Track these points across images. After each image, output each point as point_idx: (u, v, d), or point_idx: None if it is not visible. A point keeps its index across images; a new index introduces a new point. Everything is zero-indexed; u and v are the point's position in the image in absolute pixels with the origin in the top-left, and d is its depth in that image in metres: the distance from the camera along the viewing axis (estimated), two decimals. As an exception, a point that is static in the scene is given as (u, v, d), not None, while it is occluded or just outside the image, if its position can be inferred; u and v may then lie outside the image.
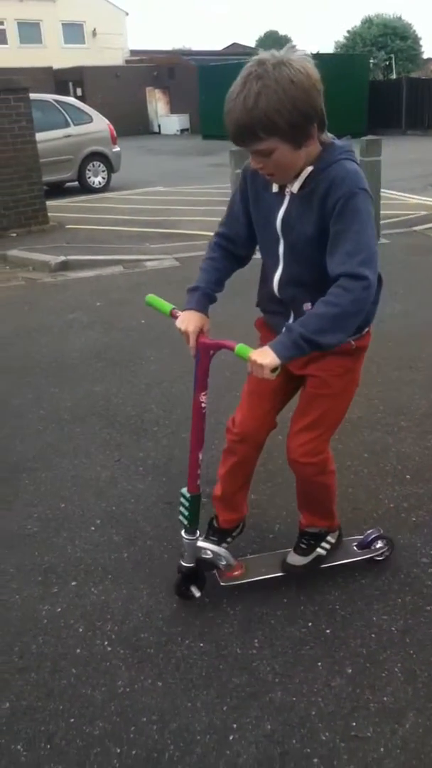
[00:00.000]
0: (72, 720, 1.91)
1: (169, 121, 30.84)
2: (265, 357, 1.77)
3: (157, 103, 31.56)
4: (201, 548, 2.25)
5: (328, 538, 2.39)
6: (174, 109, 31.41)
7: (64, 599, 2.37)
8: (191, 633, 2.20)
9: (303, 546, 2.36)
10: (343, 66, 22.57)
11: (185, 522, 2.20)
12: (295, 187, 1.85)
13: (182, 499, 2.20)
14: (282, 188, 1.89)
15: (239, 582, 2.31)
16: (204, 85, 25.36)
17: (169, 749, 1.81)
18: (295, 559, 2.36)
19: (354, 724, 1.86)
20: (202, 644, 2.15)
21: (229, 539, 2.41)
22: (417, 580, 2.39)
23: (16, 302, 5.93)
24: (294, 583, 2.40)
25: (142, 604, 2.33)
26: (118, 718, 1.91)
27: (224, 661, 2.08)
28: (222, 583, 2.30)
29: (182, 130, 30.29)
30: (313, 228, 1.85)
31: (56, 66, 28.95)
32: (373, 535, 2.48)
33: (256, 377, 1.84)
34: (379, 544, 2.47)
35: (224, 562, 2.28)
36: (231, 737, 1.84)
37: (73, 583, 2.44)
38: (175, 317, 2.05)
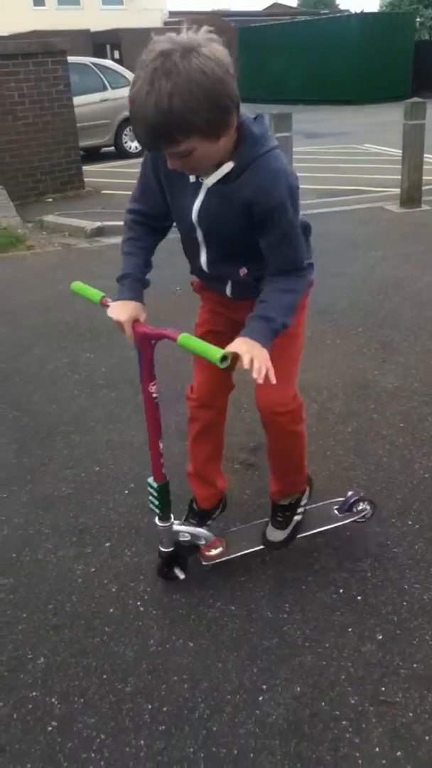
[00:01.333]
0: (105, 676, 1.95)
1: (207, 85, 30.31)
2: (258, 350, 1.69)
3: (196, 66, 31.01)
4: (177, 532, 2.20)
5: (302, 503, 2.36)
6: (212, 71, 30.82)
7: (98, 560, 2.41)
8: (222, 596, 2.22)
9: (279, 519, 2.32)
10: (388, 25, 21.87)
11: (156, 511, 2.14)
12: (210, 180, 1.73)
13: (150, 489, 2.13)
14: (197, 177, 1.76)
15: (223, 559, 2.28)
16: (243, 47, 24.87)
17: (200, 707, 1.84)
18: (275, 535, 2.33)
19: (383, 689, 1.87)
20: (233, 607, 2.17)
21: (209, 521, 2.39)
22: (451, 550, 2.37)
23: (52, 268, 5.95)
24: (325, 549, 2.40)
25: (175, 566, 2.35)
26: (149, 675, 1.95)
27: (255, 624, 2.10)
28: (204, 563, 2.27)
29: (220, 94, 29.76)
30: (235, 223, 1.78)
31: (94, 29, 28.58)
32: (354, 498, 2.43)
33: (207, 340, 1.82)
34: (361, 506, 2.44)
35: (203, 542, 2.24)
36: (260, 698, 1.86)
37: (107, 545, 2.48)
38: (106, 306, 1.94)
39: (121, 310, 1.88)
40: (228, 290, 2.01)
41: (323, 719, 1.80)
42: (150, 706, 1.85)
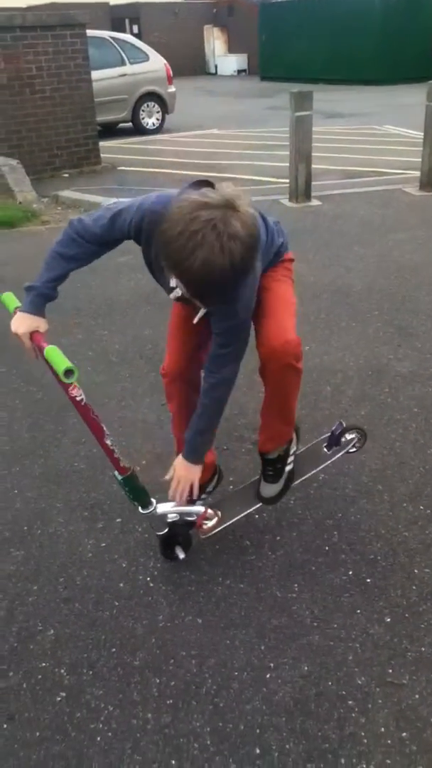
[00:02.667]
0: (113, 650, 1.97)
1: (227, 62, 29.90)
2: (185, 471, 2.11)
3: (215, 42, 30.56)
4: (164, 514, 2.16)
5: (290, 452, 2.36)
6: (232, 48, 30.40)
7: (109, 535, 2.42)
8: (232, 574, 2.23)
9: (270, 473, 2.32)
10: (411, 4, 21.36)
11: (134, 503, 2.11)
12: (196, 318, 1.91)
13: (118, 484, 2.10)
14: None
15: (219, 529, 2.27)
16: (265, 24, 24.46)
17: (207, 683, 1.86)
18: (270, 490, 2.34)
19: (390, 671, 1.88)
20: (242, 585, 2.18)
21: (204, 495, 2.40)
22: (462, 536, 2.37)
23: (67, 243, 5.93)
24: (336, 531, 2.40)
25: (185, 544, 2.36)
26: (158, 650, 1.96)
27: (263, 603, 2.11)
28: (203, 536, 2.27)
29: (239, 71, 29.38)
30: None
31: (113, 2, 28.22)
32: (339, 429, 2.43)
33: (179, 317, 2.17)
34: (348, 436, 2.46)
35: (193, 517, 2.22)
36: (268, 675, 1.87)
37: (118, 520, 2.49)
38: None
39: (19, 323, 1.97)
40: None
41: (330, 698, 1.81)
42: (158, 680, 1.87)
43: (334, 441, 2.46)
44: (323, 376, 3.47)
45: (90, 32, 8.89)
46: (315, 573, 2.22)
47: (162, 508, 2.15)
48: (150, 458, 2.85)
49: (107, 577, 2.24)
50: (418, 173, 7.40)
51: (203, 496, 2.39)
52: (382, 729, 1.73)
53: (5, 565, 2.30)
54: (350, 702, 1.80)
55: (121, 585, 2.20)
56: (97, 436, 2.02)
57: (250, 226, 1.57)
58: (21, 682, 1.88)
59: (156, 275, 2.02)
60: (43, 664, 1.93)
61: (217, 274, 1.54)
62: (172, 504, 2.16)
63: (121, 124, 12.36)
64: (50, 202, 7.41)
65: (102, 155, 9.12)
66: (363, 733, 1.72)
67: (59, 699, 1.83)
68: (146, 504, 2.11)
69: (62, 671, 1.91)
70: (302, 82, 20.26)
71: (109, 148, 10.09)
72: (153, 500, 2.12)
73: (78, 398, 1.91)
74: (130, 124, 12.31)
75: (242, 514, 2.32)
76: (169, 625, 2.04)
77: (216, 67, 30.43)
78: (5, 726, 1.76)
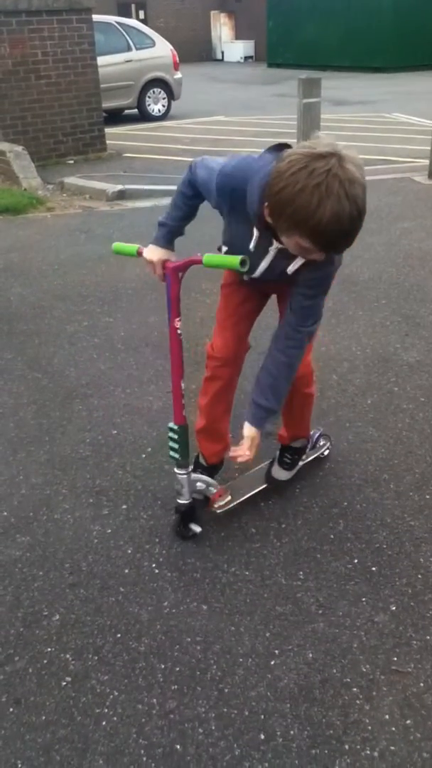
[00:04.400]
0: (119, 635, 1.98)
1: (233, 48, 29.69)
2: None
3: (222, 28, 30.32)
4: (195, 481, 2.25)
5: (306, 451, 2.59)
6: (239, 35, 30.17)
7: (115, 521, 2.42)
8: (237, 561, 2.23)
9: (287, 461, 2.51)
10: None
11: (177, 456, 2.17)
12: (291, 268, 1.88)
13: (171, 433, 2.16)
14: (261, 250, 1.90)
15: (232, 506, 2.37)
16: (273, 10, 24.24)
17: (212, 669, 1.86)
18: (282, 474, 2.52)
19: (395, 659, 1.88)
20: (247, 572, 2.18)
21: (215, 476, 2.47)
22: (468, 525, 2.36)
23: (73, 230, 5.92)
24: (342, 520, 2.40)
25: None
26: (163, 636, 1.97)
27: (268, 590, 2.11)
28: (218, 511, 2.35)
29: (246, 58, 29.17)
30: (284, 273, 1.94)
31: (119, -13, 28.01)
32: (317, 434, 2.67)
33: (232, 302, 2.26)
34: (322, 442, 2.69)
35: (213, 490, 2.33)
36: (272, 662, 1.88)
37: (124, 507, 2.50)
38: (141, 254, 2.12)
39: (152, 252, 2.10)
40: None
41: (334, 685, 1.81)
42: (163, 666, 1.88)
43: (313, 444, 2.66)
44: (330, 364, 3.45)
45: (96, 17, 8.83)
46: (320, 561, 2.22)
47: (194, 474, 2.25)
48: (155, 445, 2.85)
49: (113, 563, 2.24)
50: (426, 162, 7.34)
51: (214, 476, 2.46)
52: (387, 716, 1.73)
53: (11, 550, 2.31)
54: (355, 689, 1.80)
55: (127, 571, 2.21)
56: (176, 377, 2.14)
57: (361, 166, 1.58)
58: (27, 666, 1.89)
59: (238, 240, 1.96)
60: (49, 649, 1.94)
61: (347, 222, 1.56)
62: (202, 475, 2.28)
63: (126, 111, 12.29)
64: (55, 189, 7.39)
65: (108, 142, 9.08)
66: (367, 720, 1.72)
67: (65, 684, 1.84)
68: (186, 464, 2.20)
69: (68, 656, 1.92)
70: (310, 68, 20.11)
71: (114, 134, 10.05)
72: (190, 464, 2.21)
73: (179, 331, 2.12)
74: (135, 110, 12.24)
75: (248, 495, 2.43)
76: (174, 612, 2.05)
77: (222, 53, 30.21)
78: (11, 710, 1.77)
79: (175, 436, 2.16)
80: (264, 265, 1.93)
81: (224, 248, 2.10)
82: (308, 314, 2.01)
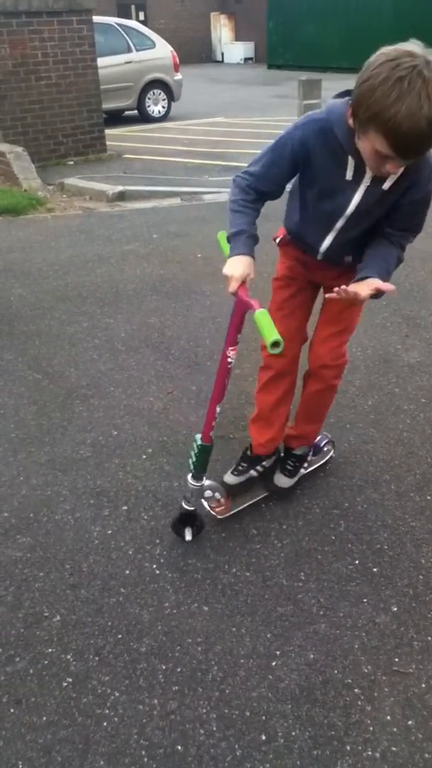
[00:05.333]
0: (120, 636, 1.97)
1: (234, 49, 29.70)
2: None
3: (222, 30, 30.33)
4: (203, 490, 2.25)
5: (309, 457, 2.58)
6: (239, 36, 30.18)
7: (115, 522, 2.42)
8: (238, 562, 2.23)
9: (290, 468, 2.50)
10: (422, -9, 21.16)
11: (192, 468, 2.19)
12: (387, 184, 1.83)
13: (195, 446, 2.18)
14: (359, 176, 1.84)
15: (231, 513, 2.41)
16: (273, 11, 24.25)
17: (213, 670, 1.86)
18: (284, 481, 2.50)
19: (397, 659, 1.88)
20: (248, 573, 2.18)
21: (259, 467, 2.49)
22: (469, 526, 2.36)
23: (73, 231, 5.92)
24: (342, 521, 2.39)
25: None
26: (164, 637, 1.96)
27: (269, 591, 2.11)
28: (219, 517, 2.38)
29: (246, 59, 29.18)
30: (379, 214, 1.95)
31: (119, -12, 28.02)
32: (325, 441, 2.68)
33: (281, 295, 2.24)
34: (326, 448, 2.70)
35: (219, 497, 2.33)
36: (274, 663, 1.87)
37: (124, 508, 2.49)
38: None
39: (235, 268, 1.92)
40: (320, 256, 2.12)
41: (335, 686, 1.81)
42: (164, 667, 1.87)
43: (319, 450, 2.66)
44: (330, 365, 3.45)
45: (96, 18, 8.83)
46: (321, 562, 2.22)
47: (207, 487, 2.26)
48: (156, 446, 2.85)
49: (113, 564, 2.24)
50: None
51: (258, 468, 2.50)
52: (388, 717, 1.73)
53: (12, 551, 2.30)
54: (356, 690, 1.80)
55: (128, 572, 2.20)
56: (215, 399, 2.12)
57: None
58: (27, 667, 1.89)
59: (327, 196, 1.93)
60: (50, 650, 1.94)
61: (424, 123, 1.52)
62: (211, 482, 2.27)
63: (126, 112, 12.29)
64: (55, 190, 7.39)
65: (108, 143, 9.08)
66: (369, 721, 1.72)
67: (66, 684, 1.83)
68: (201, 477, 2.21)
69: (68, 657, 1.91)
70: (310, 70, 20.11)
71: (114, 135, 10.05)
72: (204, 478, 2.22)
73: (230, 359, 2.05)
74: (135, 111, 12.25)
75: (250, 501, 2.46)
76: (175, 612, 2.05)
77: (222, 54, 30.22)
78: (12, 710, 1.77)
79: (197, 450, 2.18)
80: (358, 197, 1.88)
81: (281, 237, 2.13)
82: (415, 224, 1.98)
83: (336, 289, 1.80)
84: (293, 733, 1.69)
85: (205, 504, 2.34)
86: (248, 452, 2.50)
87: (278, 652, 1.91)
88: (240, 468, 2.48)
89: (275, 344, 1.67)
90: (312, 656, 1.89)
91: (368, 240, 1.99)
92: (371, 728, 1.70)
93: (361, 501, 2.50)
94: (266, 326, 1.71)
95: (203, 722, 1.72)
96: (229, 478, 2.47)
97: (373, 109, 1.55)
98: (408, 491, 2.54)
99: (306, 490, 2.55)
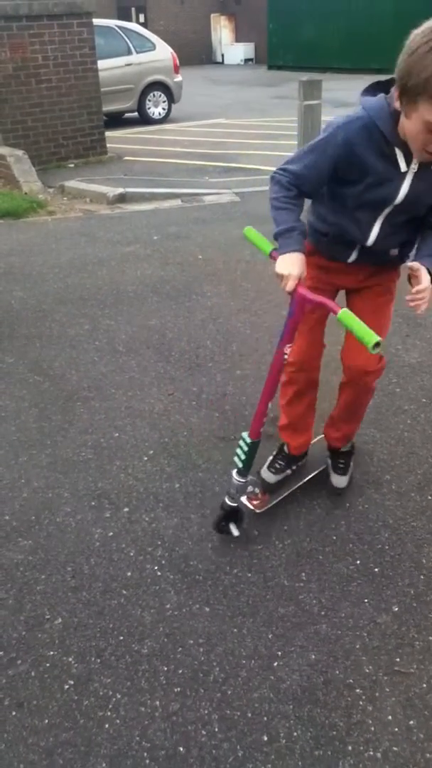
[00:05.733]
0: (121, 638, 1.98)
1: (234, 50, 29.72)
2: None
3: (222, 31, 30.37)
4: (246, 486, 2.27)
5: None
6: (239, 37, 30.21)
7: (116, 524, 2.42)
8: (239, 563, 2.23)
9: (342, 465, 2.54)
10: (421, -9, 21.16)
11: (240, 465, 2.22)
12: (413, 167, 1.85)
13: (242, 443, 2.21)
14: (406, 166, 1.85)
15: (270, 505, 2.46)
16: (274, 12, 24.26)
17: (215, 671, 1.86)
18: (342, 480, 2.53)
19: (398, 659, 1.88)
20: (249, 574, 2.18)
21: (294, 466, 2.58)
22: (470, 526, 2.36)
23: (73, 233, 5.93)
24: (344, 521, 2.39)
25: (192, 533, 2.36)
26: (166, 638, 1.97)
27: (271, 592, 2.11)
28: (258, 511, 2.42)
29: (247, 60, 29.20)
30: (427, 201, 1.94)
31: (118, -9, 28.07)
32: None
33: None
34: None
35: (258, 491, 2.37)
36: (275, 663, 1.87)
37: (125, 510, 2.50)
38: (274, 260, 1.97)
39: (292, 265, 1.90)
40: (353, 257, 2.12)
41: (337, 686, 1.81)
42: (166, 668, 1.88)
43: None
44: (330, 366, 3.44)
45: (96, 21, 8.85)
46: (323, 562, 2.22)
47: (251, 484, 2.29)
48: (157, 448, 2.85)
49: (115, 565, 2.24)
50: (426, 162, 7.34)
51: (293, 466, 2.58)
52: (390, 717, 1.73)
53: (13, 554, 2.31)
54: (358, 690, 1.80)
55: (129, 574, 2.21)
56: (266, 397, 2.14)
57: None
58: (29, 670, 1.89)
59: (373, 188, 1.91)
60: (51, 653, 1.94)
61: None
62: (251, 477, 2.29)
63: (127, 114, 12.31)
64: (56, 193, 7.40)
65: (108, 145, 9.10)
66: (370, 721, 1.72)
67: (67, 687, 1.84)
68: (246, 474, 2.24)
69: (70, 659, 1.92)
70: (310, 70, 20.12)
71: (115, 138, 10.07)
72: (249, 474, 2.26)
73: (286, 357, 2.06)
74: (136, 113, 12.26)
75: (284, 494, 2.50)
76: (177, 614, 2.05)
77: (223, 56, 30.25)
78: (14, 713, 1.77)
79: (246, 448, 2.20)
80: (406, 186, 1.87)
81: (310, 240, 2.09)
82: None
83: (410, 264, 1.86)
84: (295, 734, 1.69)
85: (244, 498, 2.36)
86: (286, 450, 2.55)
87: (280, 653, 1.91)
88: (278, 465, 2.55)
89: (377, 345, 1.64)
90: (313, 657, 1.89)
91: (414, 234, 2.02)
92: (373, 728, 1.70)
93: (362, 501, 2.50)
94: (359, 327, 1.67)
95: (205, 723, 1.72)
96: (268, 476, 2.54)
97: (423, 75, 1.57)
98: (409, 491, 2.54)
99: (306, 490, 2.55)
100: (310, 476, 2.57)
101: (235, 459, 2.23)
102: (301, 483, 2.55)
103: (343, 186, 1.96)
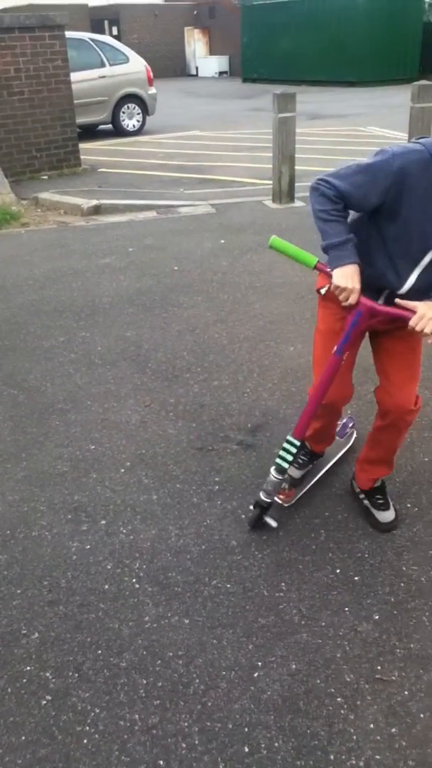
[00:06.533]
0: (99, 652, 1.95)
1: (208, 63, 29.93)
2: None
3: (196, 44, 30.57)
4: (281, 482, 2.35)
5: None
6: (213, 50, 30.43)
7: (94, 537, 2.40)
8: (219, 574, 2.21)
9: (381, 501, 2.45)
10: (396, 6, 21.43)
11: (284, 465, 2.28)
12: None
13: (289, 445, 2.25)
14: None
15: (297, 498, 2.56)
16: (247, 25, 24.48)
17: (195, 683, 1.84)
18: (389, 515, 2.43)
19: (379, 667, 1.87)
20: (229, 585, 2.17)
21: (315, 461, 2.71)
22: (447, 532, 2.37)
23: (48, 245, 5.90)
24: (323, 530, 2.39)
25: (171, 544, 2.35)
26: (145, 651, 1.94)
27: (251, 602, 2.10)
28: (286, 505, 2.50)
29: (221, 73, 29.42)
30: None
31: (92, 3, 28.15)
32: (351, 423, 2.90)
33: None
34: (351, 424, 2.91)
35: (286, 487, 2.55)
36: (256, 674, 1.86)
37: (103, 522, 2.47)
38: (324, 271, 1.98)
39: (352, 278, 1.90)
40: (380, 301, 2.08)
41: (318, 696, 1.80)
42: (145, 681, 1.85)
43: (343, 433, 2.84)
44: (308, 375, 3.46)
45: (69, 34, 8.85)
46: (302, 571, 2.22)
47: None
48: (134, 460, 2.83)
49: (92, 579, 2.22)
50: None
51: (315, 461, 2.70)
52: (372, 725, 1.72)
53: (-11, 568, 2.27)
54: (339, 699, 1.79)
55: (107, 587, 2.18)
56: (317, 398, 2.20)
57: None
58: (5, 686, 1.85)
59: (413, 224, 1.89)
60: (28, 668, 1.90)
61: None
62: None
63: (101, 126, 12.31)
64: (30, 205, 7.36)
65: (82, 157, 9.09)
66: (352, 730, 1.71)
67: (45, 702, 1.80)
68: (285, 471, 2.31)
69: (48, 674, 1.88)
70: (285, 83, 20.34)
71: (89, 149, 10.06)
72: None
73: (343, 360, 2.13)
74: (110, 126, 12.27)
75: (306, 488, 2.60)
76: (156, 626, 2.03)
77: (197, 68, 30.43)
78: (-10, 731, 1.73)
79: (292, 450, 2.26)
80: None
81: (328, 287, 2.03)
82: None
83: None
84: (276, 744, 1.68)
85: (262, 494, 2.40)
86: (308, 446, 2.64)
87: (260, 663, 1.89)
88: (300, 461, 2.63)
89: None
90: (294, 666, 1.88)
91: None
92: (354, 737, 1.69)
93: (341, 510, 2.50)
94: None
95: (185, 736, 1.70)
96: (293, 472, 2.62)
97: None
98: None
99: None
100: (327, 467, 2.70)
101: (279, 460, 2.28)
102: (320, 475, 2.65)
103: (386, 222, 1.92)
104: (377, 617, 2.03)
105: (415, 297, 1.96)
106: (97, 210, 6.97)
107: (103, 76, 11.72)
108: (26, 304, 4.53)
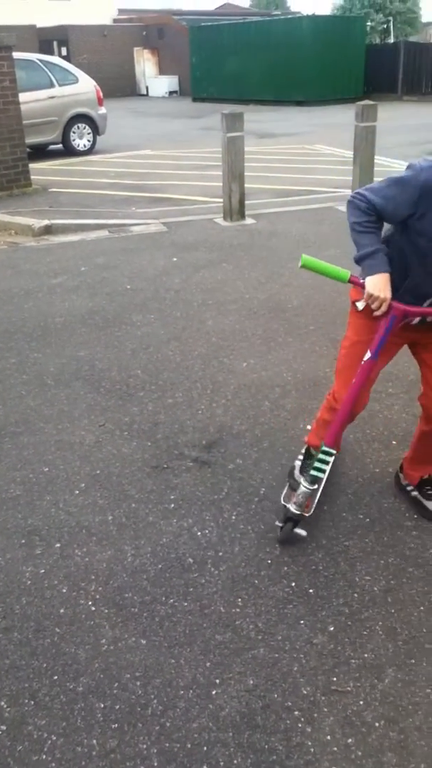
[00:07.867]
0: (55, 677, 1.92)
1: (158, 83, 30.16)
2: None
3: (146, 64, 30.80)
4: (311, 493, 2.39)
5: None
6: (163, 70, 30.70)
7: (48, 561, 2.37)
8: (175, 593, 2.21)
9: (431, 491, 2.59)
10: (340, 29, 22.07)
11: (321, 476, 2.34)
12: None
13: (323, 455, 2.29)
14: None
15: (315, 505, 2.54)
16: (195, 46, 24.80)
17: (153, 704, 1.83)
18: None
19: (335, 679, 1.89)
20: (186, 603, 2.17)
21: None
22: (400, 542, 2.42)
23: None
24: (278, 544, 2.42)
25: (127, 565, 2.34)
26: (101, 674, 1.93)
27: (207, 620, 2.10)
28: (306, 515, 2.43)
29: (171, 92, 29.67)
30: None
31: (40, 24, 28.14)
32: None
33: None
34: None
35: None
36: (214, 692, 1.86)
37: (57, 545, 2.45)
38: (358, 283, 2.08)
39: (384, 287, 2.03)
40: (415, 320, 2.20)
41: (276, 710, 1.81)
42: (102, 705, 1.84)
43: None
44: (261, 391, 3.50)
45: (17, 54, 8.84)
46: (258, 586, 2.23)
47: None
48: (89, 481, 2.81)
49: (47, 603, 2.19)
50: (348, 191, 7.61)
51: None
52: (328, 737, 1.74)
53: None
54: (296, 712, 1.81)
55: (62, 611, 2.16)
56: (346, 405, 2.27)
57: None
58: (-41, 718, 1.81)
59: None
60: (-17, 698, 1.87)
61: None
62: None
63: (51, 146, 12.27)
64: (-19, 225, 7.28)
65: (33, 177, 9.03)
66: (309, 743, 1.72)
67: (0, 733, 1.77)
68: (317, 481, 2.36)
69: (2, 703, 1.85)
70: (234, 102, 20.62)
71: (40, 169, 10.01)
72: None
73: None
74: (60, 145, 12.24)
75: (317, 496, 2.57)
76: (113, 648, 2.01)
77: (147, 88, 30.63)
78: None
79: (329, 459, 2.32)
80: None
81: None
82: None
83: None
84: (235, 761, 1.68)
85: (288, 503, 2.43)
86: (312, 452, 2.64)
87: (218, 681, 1.90)
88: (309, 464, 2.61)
89: None
90: (252, 682, 1.89)
91: None
92: (312, 749, 1.71)
93: (295, 523, 2.53)
94: None
95: (144, 758, 1.69)
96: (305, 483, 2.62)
97: None
98: (341, 511, 2.59)
99: (241, 516, 2.56)
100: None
101: (314, 472, 2.32)
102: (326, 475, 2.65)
103: (415, 237, 2.03)
104: (332, 629, 2.06)
105: None
106: (48, 230, 6.94)
107: (53, 97, 11.70)
108: (-23, 326, 4.47)
